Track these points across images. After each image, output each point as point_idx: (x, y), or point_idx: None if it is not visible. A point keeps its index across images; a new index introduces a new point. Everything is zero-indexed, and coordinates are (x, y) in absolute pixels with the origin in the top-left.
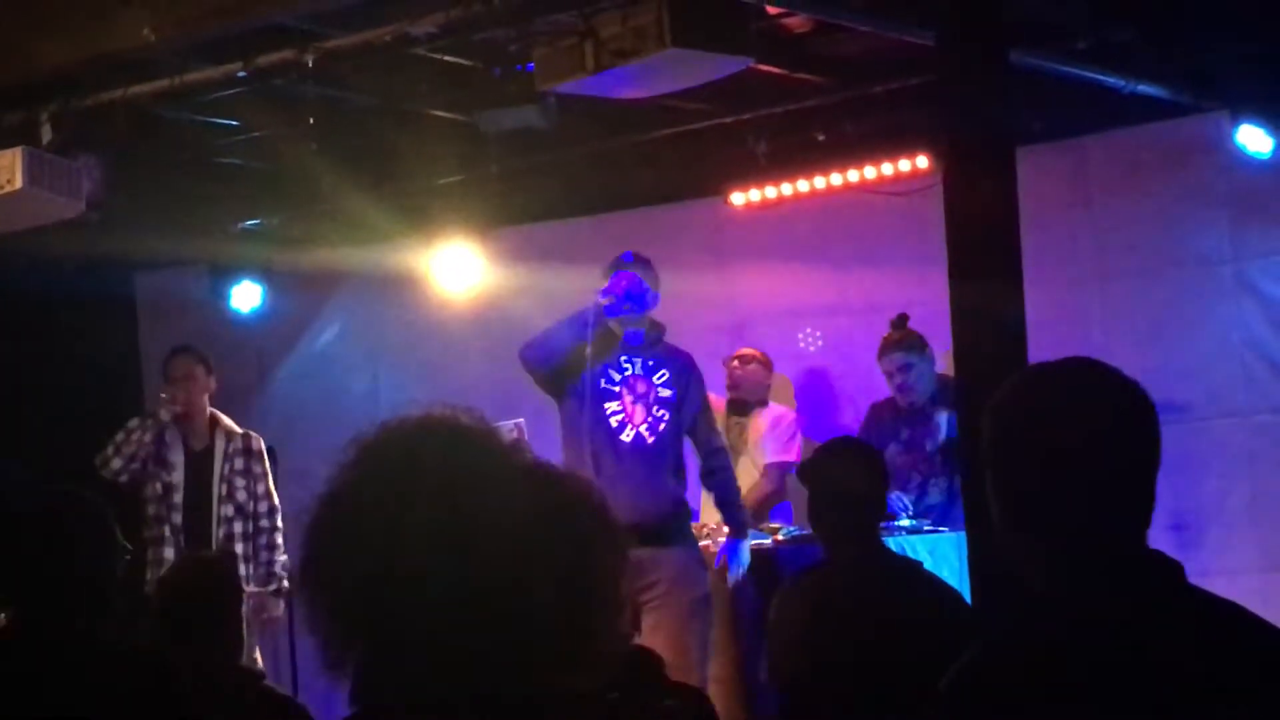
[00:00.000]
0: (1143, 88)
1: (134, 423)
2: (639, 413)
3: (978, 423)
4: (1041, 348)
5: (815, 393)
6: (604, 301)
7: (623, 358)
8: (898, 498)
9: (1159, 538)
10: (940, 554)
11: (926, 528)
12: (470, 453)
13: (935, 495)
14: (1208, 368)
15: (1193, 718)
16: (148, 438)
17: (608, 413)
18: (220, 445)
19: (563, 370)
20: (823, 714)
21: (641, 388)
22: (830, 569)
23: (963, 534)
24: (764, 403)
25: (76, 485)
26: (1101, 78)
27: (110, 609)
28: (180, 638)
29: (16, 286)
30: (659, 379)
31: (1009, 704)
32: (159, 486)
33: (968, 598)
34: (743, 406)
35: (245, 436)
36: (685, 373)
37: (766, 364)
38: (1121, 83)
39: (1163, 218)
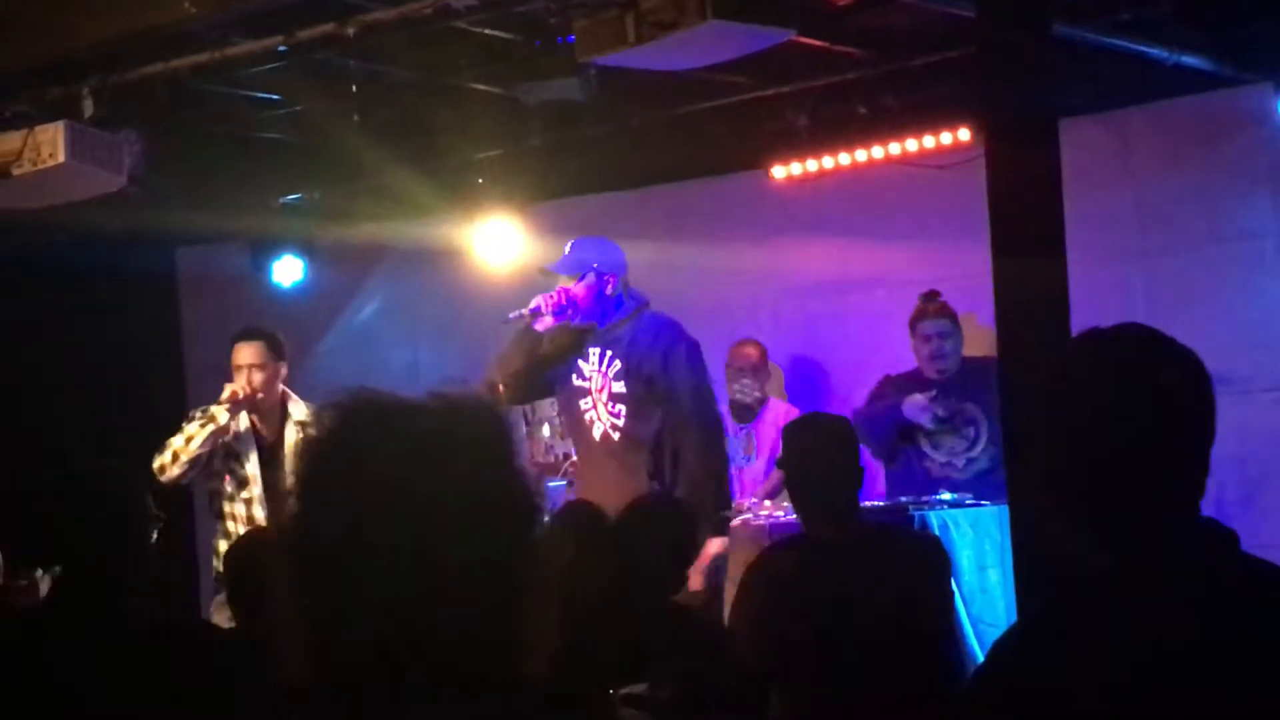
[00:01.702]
0: (1185, 60)
1: (193, 427)
2: (601, 410)
3: (1019, 396)
4: (1084, 321)
5: (853, 369)
6: (527, 319)
7: (591, 348)
8: (948, 462)
9: (1201, 509)
10: (982, 527)
11: (969, 501)
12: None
13: (983, 461)
14: (1251, 341)
15: (1250, 686)
16: (207, 447)
17: (582, 410)
18: (290, 436)
19: (520, 392)
20: (770, 691)
21: (599, 383)
22: (795, 546)
23: (1004, 507)
24: (763, 399)
25: (105, 458)
26: (1144, 50)
27: (146, 579)
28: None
29: (58, 261)
30: (612, 371)
31: (1058, 676)
32: (234, 481)
33: (1009, 572)
34: (746, 412)
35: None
36: (641, 356)
37: (764, 357)
38: (1164, 55)
39: (1205, 190)
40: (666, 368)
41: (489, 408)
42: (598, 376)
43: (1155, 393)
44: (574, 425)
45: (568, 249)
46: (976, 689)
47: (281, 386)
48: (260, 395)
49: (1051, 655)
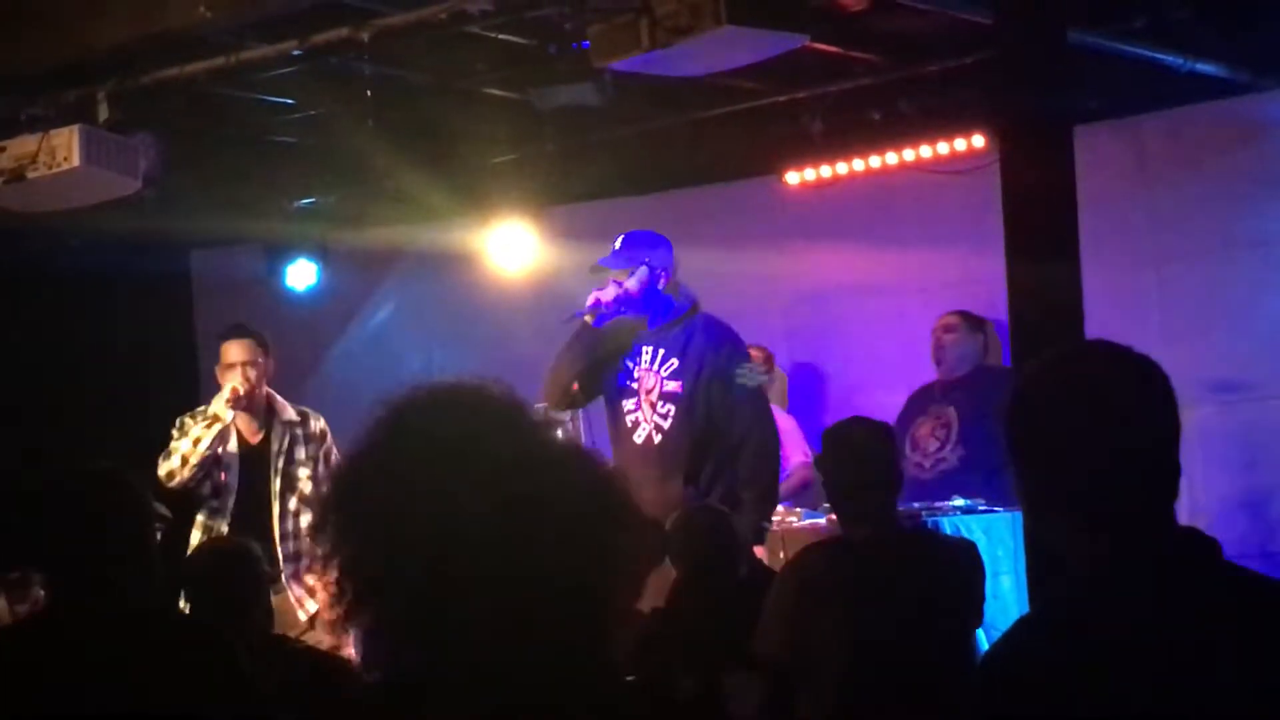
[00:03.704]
0: (1201, 66)
1: (199, 429)
2: (646, 410)
3: None
4: (1098, 327)
5: (866, 374)
6: (588, 319)
7: (644, 347)
8: (919, 463)
9: (1214, 516)
10: (995, 534)
11: (981, 507)
12: (511, 431)
13: (952, 462)
14: (1266, 348)
15: (1231, 694)
16: (215, 448)
17: (624, 412)
18: (276, 435)
19: (590, 389)
20: (797, 690)
21: (650, 382)
22: (830, 546)
23: (1019, 514)
24: None
25: (108, 461)
26: (1159, 56)
27: (153, 579)
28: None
29: (73, 264)
30: (666, 370)
31: (1045, 682)
32: (210, 484)
33: (1023, 579)
34: None
35: (302, 420)
36: (701, 357)
37: (769, 362)
38: (1179, 61)
39: (1221, 197)
40: (727, 371)
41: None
42: (649, 376)
43: (1118, 407)
44: (616, 428)
45: (618, 243)
46: (972, 692)
47: (268, 391)
48: (256, 392)
49: (1042, 661)
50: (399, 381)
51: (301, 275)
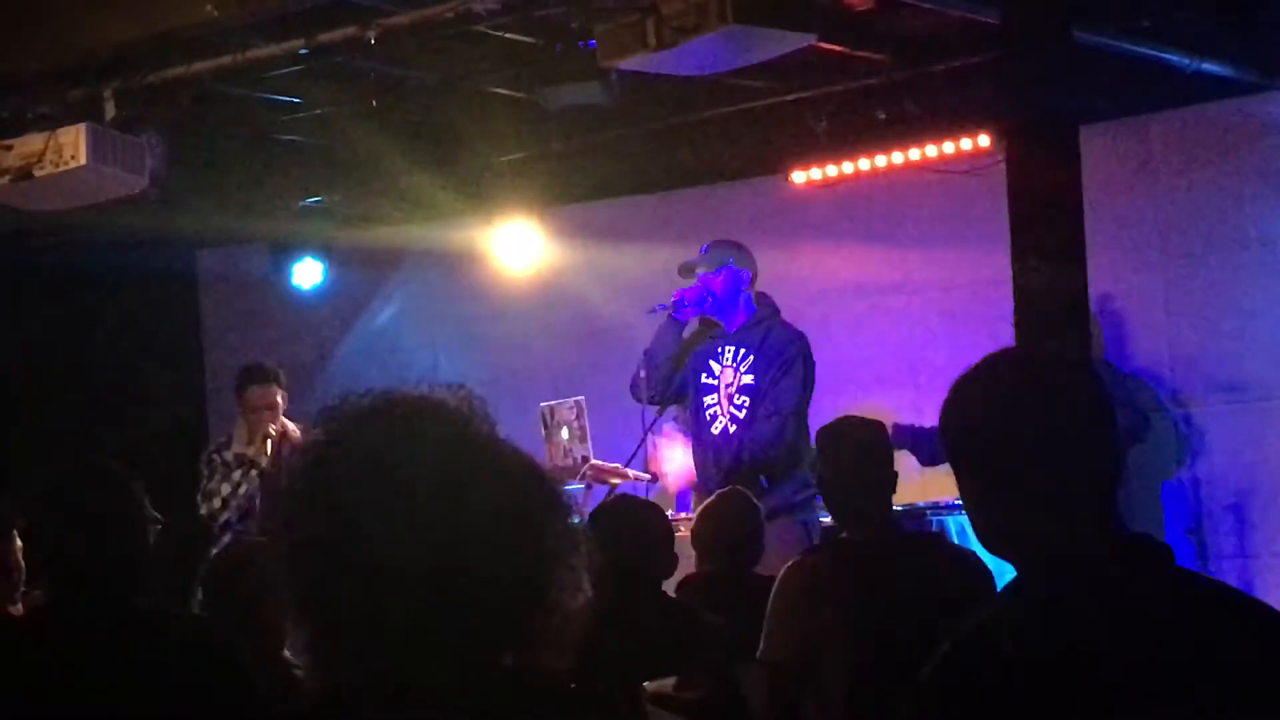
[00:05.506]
0: (1207, 66)
1: (237, 475)
2: (724, 404)
3: None
4: (1104, 326)
5: (871, 374)
6: (670, 311)
7: (719, 347)
8: None
9: (1219, 516)
10: None
11: None
12: (432, 436)
13: None
14: (1270, 348)
15: (1179, 700)
16: (255, 489)
17: (705, 406)
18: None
19: (675, 387)
20: (804, 694)
21: (729, 377)
22: (832, 548)
23: None
24: None
25: (101, 459)
26: (1165, 56)
27: (142, 582)
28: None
29: (80, 263)
30: (744, 365)
31: (989, 691)
32: (218, 502)
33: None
34: None
35: None
36: (778, 356)
37: None
38: (1185, 61)
39: (1226, 197)
40: (789, 371)
41: (480, 406)
42: (728, 372)
43: (1048, 413)
44: (698, 423)
45: (705, 247)
46: (913, 701)
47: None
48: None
49: (986, 669)
50: (404, 380)
51: (307, 274)
